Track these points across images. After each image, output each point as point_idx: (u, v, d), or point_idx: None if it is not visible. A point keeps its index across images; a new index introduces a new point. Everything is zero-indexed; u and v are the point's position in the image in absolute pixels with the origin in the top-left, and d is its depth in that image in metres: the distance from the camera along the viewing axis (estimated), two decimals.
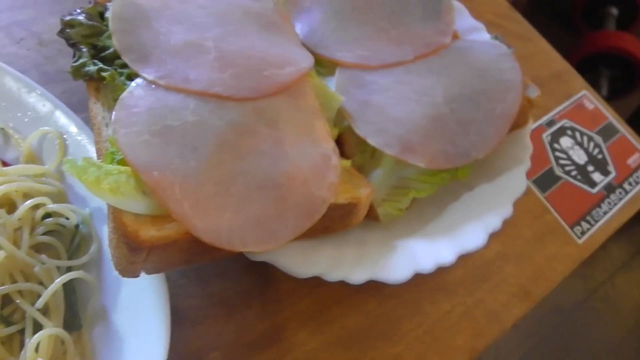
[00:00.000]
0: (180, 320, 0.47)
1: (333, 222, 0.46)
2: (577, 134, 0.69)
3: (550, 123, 0.68)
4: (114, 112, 0.41)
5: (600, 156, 0.68)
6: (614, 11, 1.91)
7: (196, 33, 0.46)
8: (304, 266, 0.45)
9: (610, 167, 0.67)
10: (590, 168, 0.67)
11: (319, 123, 0.47)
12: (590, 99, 0.72)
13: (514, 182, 0.54)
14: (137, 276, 0.39)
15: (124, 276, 0.39)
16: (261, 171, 0.42)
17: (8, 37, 0.57)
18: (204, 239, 0.38)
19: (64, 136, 0.48)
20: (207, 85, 0.42)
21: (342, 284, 0.46)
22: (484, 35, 0.61)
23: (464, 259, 0.53)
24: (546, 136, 0.67)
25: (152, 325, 0.41)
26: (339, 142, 0.52)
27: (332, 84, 0.53)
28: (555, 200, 0.63)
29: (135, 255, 0.38)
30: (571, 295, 1.47)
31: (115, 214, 0.38)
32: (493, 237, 0.53)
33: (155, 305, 0.42)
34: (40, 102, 0.50)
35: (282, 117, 0.45)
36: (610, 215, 0.63)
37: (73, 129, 0.49)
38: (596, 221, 0.63)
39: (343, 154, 0.52)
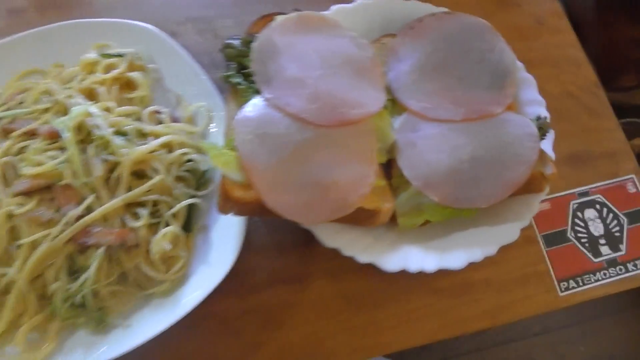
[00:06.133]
0: (245, 246, 0.80)
1: (361, 219, 0.76)
2: (605, 210, 0.89)
3: (583, 194, 0.90)
4: (238, 114, 0.74)
5: (617, 234, 0.88)
6: None
7: (304, 71, 0.77)
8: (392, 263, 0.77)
9: (623, 246, 0.87)
10: (602, 241, 0.88)
11: (370, 151, 0.76)
12: (636, 184, 0.91)
13: (508, 232, 0.79)
14: (227, 214, 0.73)
15: (220, 213, 0.73)
16: (317, 175, 0.72)
17: (194, 27, 0.95)
18: (268, 207, 0.70)
19: (213, 112, 0.84)
20: (299, 111, 0.74)
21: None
22: (540, 110, 0.84)
23: (456, 273, 0.80)
24: (574, 204, 0.89)
25: (232, 242, 0.77)
26: (390, 164, 0.82)
27: (397, 121, 0.82)
28: (554, 256, 0.86)
29: (226, 203, 0.71)
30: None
31: (223, 177, 0.71)
32: (484, 266, 0.80)
33: (236, 233, 0.77)
34: (204, 83, 0.86)
35: (343, 143, 0.75)
36: (600, 284, 0.85)
37: (219, 107, 0.84)
38: (585, 284, 0.85)
39: (390, 172, 0.82)
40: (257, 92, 0.76)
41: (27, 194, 0.77)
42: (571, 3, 1.19)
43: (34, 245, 0.75)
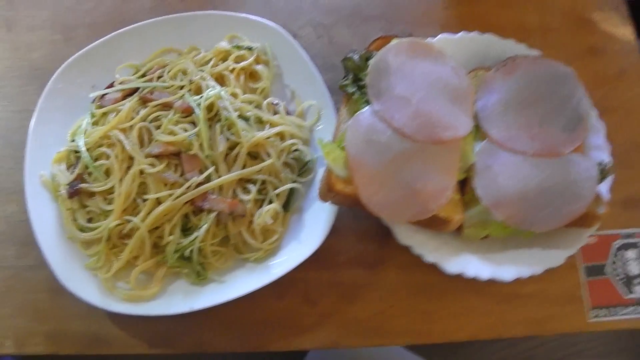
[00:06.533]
0: (331, 229, 0.95)
1: (433, 224, 0.91)
2: None
3: (628, 236, 1.03)
4: (350, 120, 0.90)
5: None
6: None
7: (410, 91, 0.91)
8: (453, 266, 0.92)
9: None
10: (636, 281, 1.01)
11: (453, 168, 0.91)
12: None
13: (555, 257, 0.94)
14: (326, 202, 0.89)
15: (320, 200, 0.89)
16: (406, 181, 0.87)
17: (314, 31, 1.12)
18: (362, 201, 0.86)
19: (322, 111, 1.01)
20: (401, 126, 0.89)
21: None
22: (604, 156, 0.98)
23: (504, 283, 0.94)
24: (617, 243, 1.03)
25: (322, 225, 0.93)
26: (465, 182, 0.96)
27: (478, 146, 0.96)
28: (591, 285, 1.00)
29: (328, 193, 0.87)
30: None
31: (329, 170, 0.87)
32: (529, 282, 0.95)
33: (327, 217, 0.94)
34: (317, 84, 1.01)
35: (433, 157, 0.90)
36: (627, 318, 0.99)
37: (328, 107, 1.00)
38: (612, 315, 0.99)
39: (464, 189, 0.96)
40: (368, 102, 0.92)
41: (158, 157, 0.94)
42: None
43: (158, 201, 0.92)
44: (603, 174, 0.94)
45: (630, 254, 1.04)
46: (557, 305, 1.00)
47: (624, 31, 1.18)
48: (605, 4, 1.20)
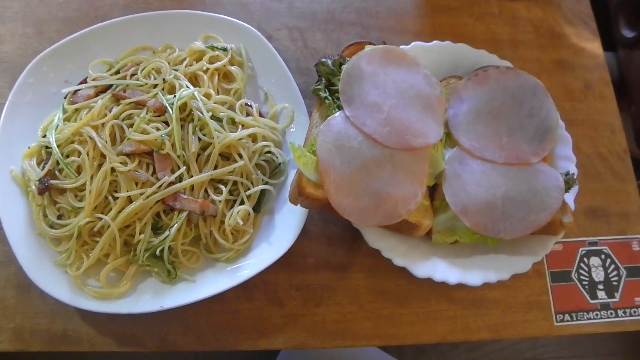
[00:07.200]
0: (301, 232, 0.99)
1: (403, 229, 0.95)
2: (608, 261, 1.08)
3: (592, 243, 1.08)
4: (322, 125, 0.92)
5: (615, 283, 1.07)
6: None
7: (382, 98, 0.95)
8: (421, 270, 0.96)
9: (617, 294, 1.06)
10: (600, 286, 1.07)
11: (422, 175, 0.94)
12: None
13: (522, 263, 0.97)
14: (296, 205, 0.92)
15: (290, 203, 0.92)
16: (376, 187, 0.91)
17: (289, 35, 1.14)
18: (332, 205, 0.89)
19: (294, 114, 1.03)
20: (372, 132, 0.92)
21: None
22: (570, 166, 1.02)
23: (471, 288, 0.99)
24: (582, 250, 1.08)
25: (292, 227, 0.96)
26: (435, 188, 1.00)
27: (449, 152, 1.00)
28: (557, 291, 1.05)
29: (299, 196, 0.90)
30: None
31: (300, 174, 0.90)
32: (496, 287, 0.99)
33: (297, 220, 0.96)
34: (290, 87, 1.04)
35: (403, 164, 0.93)
36: (591, 322, 1.04)
37: (301, 111, 1.03)
38: (578, 320, 1.04)
39: (434, 195, 1.00)
40: (340, 107, 0.95)
41: (130, 155, 0.96)
42: (627, 68, 1.36)
43: (130, 199, 0.94)
44: (568, 184, 0.98)
45: (595, 261, 1.08)
46: (523, 309, 1.04)
47: (592, 46, 1.23)
48: (575, 18, 1.26)
